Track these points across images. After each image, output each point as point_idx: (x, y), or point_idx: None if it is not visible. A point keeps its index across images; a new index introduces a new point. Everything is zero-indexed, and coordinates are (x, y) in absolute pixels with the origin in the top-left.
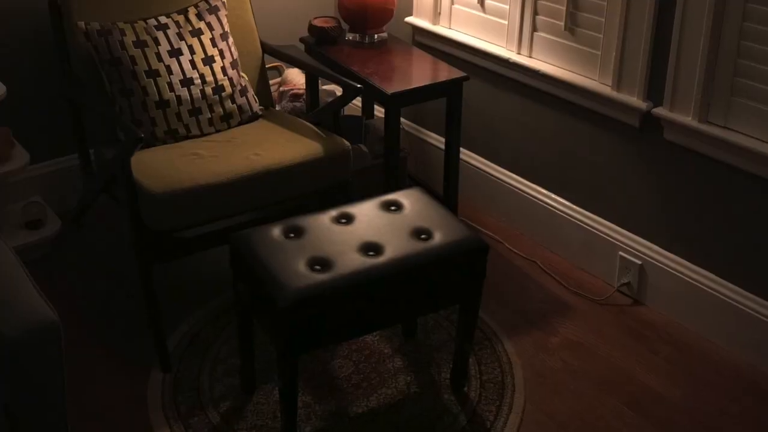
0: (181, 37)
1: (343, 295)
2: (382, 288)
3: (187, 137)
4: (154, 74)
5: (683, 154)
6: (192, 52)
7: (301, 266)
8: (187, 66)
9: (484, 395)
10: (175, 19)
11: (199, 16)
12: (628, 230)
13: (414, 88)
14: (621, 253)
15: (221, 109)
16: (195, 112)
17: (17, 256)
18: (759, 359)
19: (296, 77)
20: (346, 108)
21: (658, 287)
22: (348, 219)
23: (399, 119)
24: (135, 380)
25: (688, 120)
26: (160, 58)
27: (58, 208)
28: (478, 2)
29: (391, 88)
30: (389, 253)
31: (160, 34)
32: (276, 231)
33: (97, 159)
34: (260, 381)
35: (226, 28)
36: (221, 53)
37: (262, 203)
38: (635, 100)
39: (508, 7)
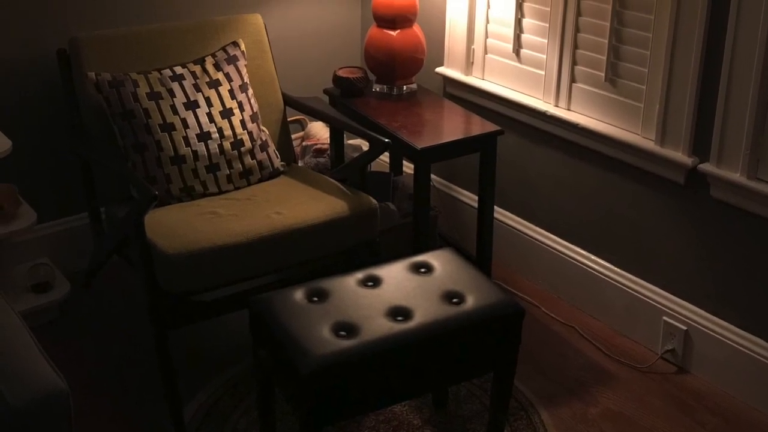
0: (197, 89)
1: (369, 362)
2: (411, 355)
3: (204, 195)
4: (169, 128)
5: (731, 213)
6: (209, 104)
7: (326, 332)
8: (204, 119)
9: None
10: (192, 70)
11: (217, 66)
12: (672, 294)
13: (445, 143)
14: (665, 318)
15: (240, 165)
16: (212, 168)
17: (24, 321)
18: None
19: (320, 131)
20: (373, 164)
21: (704, 354)
22: (375, 282)
23: (429, 176)
24: None
25: (737, 176)
26: (175, 111)
27: (67, 270)
28: (513, 51)
29: (421, 142)
30: (419, 318)
31: (175, 86)
32: (298, 294)
33: (109, 218)
34: None
35: (246, 79)
36: (240, 106)
37: (284, 265)
38: (680, 156)
39: (545, 56)
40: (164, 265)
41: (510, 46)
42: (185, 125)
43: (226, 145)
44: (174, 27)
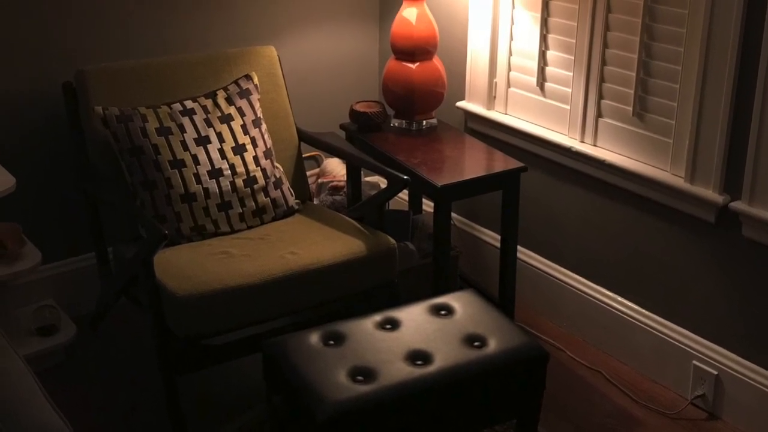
0: (209, 124)
1: (388, 408)
2: (431, 401)
3: (215, 234)
4: (179, 164)
5: (764, 253)
6: (221, 140)
7: (342, 377)
8: (215, 155)
9: None
10: (203, 104)
11: (229, 101)
12: (702, 337)
13: (466, 180)
14: (695, 362)
15: (253, 203)
16: (224, 206)
17: (28, 366)
18: None
19: (336, 168)
20: (391, 202)
21: (735, 399)
22: (393, 324)
23: (450, 214)
24: None
25: None
26: (185, 147)
27: (73, 313)
28: (536, 85)
29: (441, 179)
30: (439, 363)
31: (185, 120)
32: (314, 338)
33: (117, 258)
34: None
35: (259, 114)
36: (253, 141)
37: (299, 307)
38: (711, 193)
39: (570, 90)
40: (174, 308)
41: (534, 80)
42: (196, 162)
43: (239, 182)
44: (184, 59)
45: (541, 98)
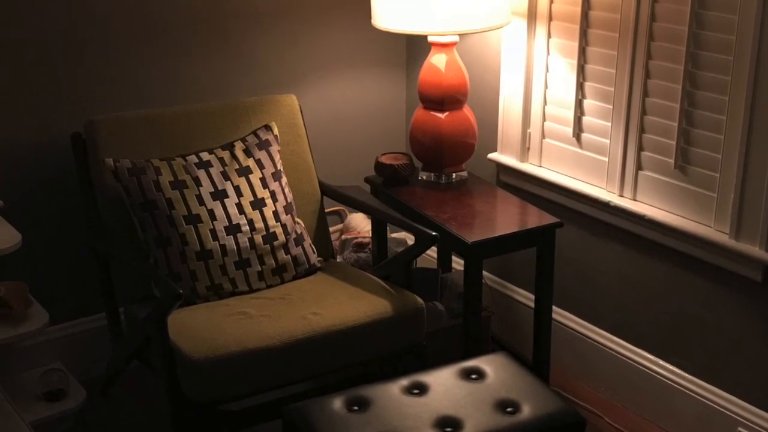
0: (226, 177)
1: None
2: None
3: (233, 293)
4: (194, 220)
5: None
6: (239, 194)
7: None
8: (233, 210)
9: None
10: (219, 156)
11: (248, 152)
12: (749, 402)
13: (498, 237)
14: (740, 428)
15: (273, 261)
16: (242, 264)
17: None
18: None
19: (361, 223)
20: (419, 259)
21: None
22: (421, 389)
23: (481, 272)
24: None
25: None
26: (201, 202)
27: (82, 377)
28: (573, 136)
29: (472, 236)
30: (470, 430)
31: (201, 173)
32: (337, 403)
33: (128, 319)
34: None
35: (279, 166)
36: (273, 195)
37: (321, 370)
38: (757, 251)
39: (608, 141)
40: (189, 371)
41: (570, 130)
42: (212, 217)
43: (258, 238)
44: (200, 109)
45: (578, 150)
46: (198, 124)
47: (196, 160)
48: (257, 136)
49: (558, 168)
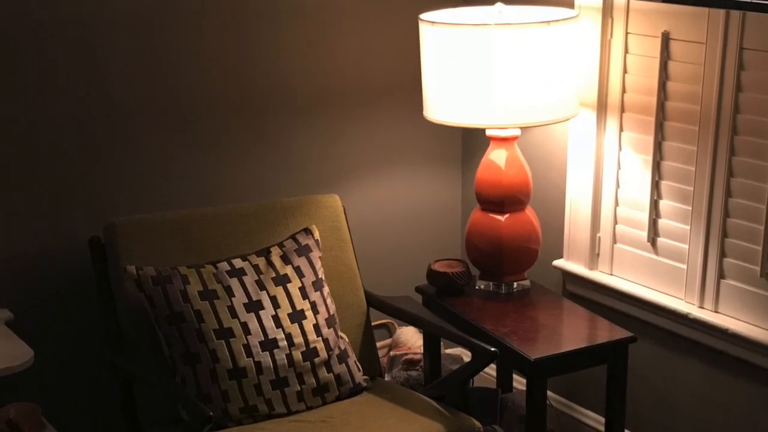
0: (261, 286)
1: None
2: None
3: (269, 416)
4: (226, 334)
5: None
6: (276, 305)
7: None
8: (269, 323)
9: None
10: (254, 263)
11: (285, 259)
12: None
13: (565, 353)
14: None
15: (314, 380)
16: (279, 383)
17: None
18: None
19: (411, 338)
20: (476, 378)
21: None
22: None
23: (545, 393)
24: None
25: None
26: (234, 314)
27: None
28: (647, 241)
29: (535, 352)
30: None
31: (234, 282)
32: None
33: None
34: None
35: (321, 275)
36: (314, 307)
37: None
38: None
39: (687, 247)
40: None
41: (644, 234)
42: (246, 331)
43: (297, 355)
44: (231, 210)
45: (653, 256)
46: (230, 227)
47: (228, 268)
48: (296, 240)
49: (631, 276)
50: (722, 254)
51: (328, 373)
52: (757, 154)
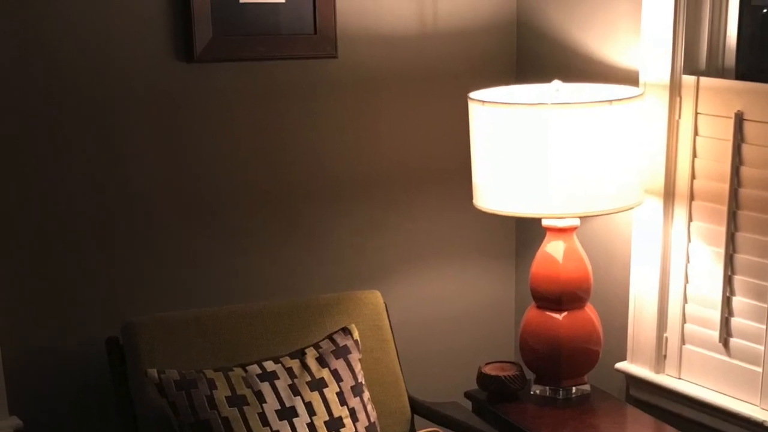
0: (295, 392)
1: None
2: None
3: None
4: None
5: None
6: (311, 412)
7: None
8: None
9: None
10: (287, 365)
11: (322, 361)
12: None
13: None
14: None
15: None
16: None
17: None
18: None
19: None
20: None
21: None
22: None
23: None
24: None
25: None
26: (265, 422)
27: None
28: (719, 341)
29: None
30: None
31: (265, 387)
32: None
33: None
34: None
35: (360, 378)
36: (353, 414)
37: None
38: None
39: (762, 348)
40: None
41: (716, 334)
42: None
43: None
44: (262, 308)
45: (726, 358)
46: (260, 326)
47: (259, 371)
48: (333, 341)
49: (701, 380)
50: None
51: None
52: None
